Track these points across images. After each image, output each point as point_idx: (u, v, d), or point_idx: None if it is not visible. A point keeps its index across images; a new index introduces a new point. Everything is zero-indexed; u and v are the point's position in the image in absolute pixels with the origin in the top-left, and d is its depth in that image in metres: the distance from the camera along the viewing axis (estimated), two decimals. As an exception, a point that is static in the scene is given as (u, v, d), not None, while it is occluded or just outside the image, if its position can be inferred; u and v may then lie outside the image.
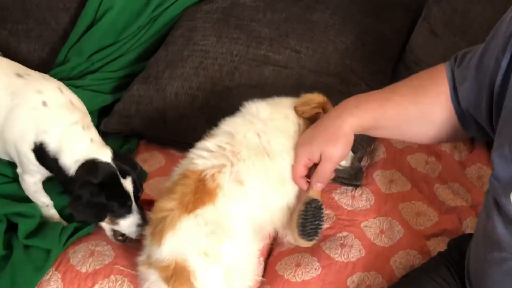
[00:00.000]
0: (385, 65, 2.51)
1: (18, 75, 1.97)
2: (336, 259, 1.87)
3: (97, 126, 2.49)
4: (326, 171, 1.69)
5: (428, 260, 1.78)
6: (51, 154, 1.88)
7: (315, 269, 1.85)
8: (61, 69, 2.63)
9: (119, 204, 1.87)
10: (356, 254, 1.89)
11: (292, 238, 1.84)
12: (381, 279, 1.82)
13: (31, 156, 1.92)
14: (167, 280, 1.68)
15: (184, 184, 1.69)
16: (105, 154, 1.88)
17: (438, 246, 1.91)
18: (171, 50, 2.54)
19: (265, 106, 1.83)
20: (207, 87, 2.37)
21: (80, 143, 1.89)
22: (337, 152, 1.65)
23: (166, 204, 1.68)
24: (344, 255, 1.88)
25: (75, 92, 2.41)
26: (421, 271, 1.69)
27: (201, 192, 1.67)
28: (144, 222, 1.88)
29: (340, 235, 1.96)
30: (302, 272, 1.85)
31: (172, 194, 1.69)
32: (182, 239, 1.66)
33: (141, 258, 1.77)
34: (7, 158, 2.08)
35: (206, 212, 1.66)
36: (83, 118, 1.96)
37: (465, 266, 1.58)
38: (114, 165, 1.87)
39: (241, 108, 1.86)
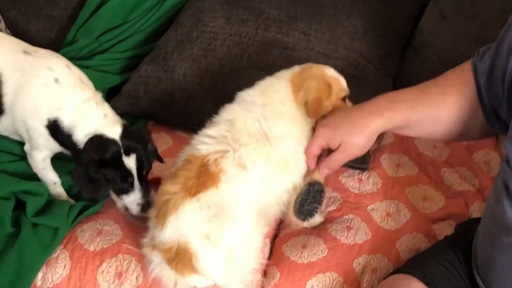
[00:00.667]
0: (394, 49, 2.50)
1: (26, 52, 1.98)
2: (342, 241, 1.88)
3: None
4: (338, 161, 1.71)
5: (435, 243, 1.78)
6: (65, 130, 1.90)
7: (321, 250, 1.86)
8: (70, 49, 2.63)
9: (120, 180, 1.88)
10: (362, 236, 1.89)
11: (286, 215, 1.83)
12: (387, 261, 1.83)
13: (44, 132, 1.93)
14: (170, 262, 1.71)
15: (188, 169, 1.71)
16: (113, 131, 1.88)
17: (444, 230, 1.91)
18: (180, 31, 2.53)
19: (258, 93, 1.82)
20: (216, 68, 2.37)
21: (94, 118, 1.91)
22: (356, 148, 1.67)
23: (170, 188, 1.70)
24: (350, 237, 1.89)
25: (85, 73, 2.43)
26: (427, 255, 1.69)
27: (204, 176, 1.69)
28: (145, 200, 1.90)
29: (347, 217, 1.96)
30: (308, 254, 1.85)
31: (175, 179, 1.71)
32: (185, 222, 1.68)
33: (145, 240, 1.80)
34: (16, 138, 2.08)
35: (209, 195, 1.68)
36: (95, 95, 1.97)
37: (472, 252, 1.58)
38: (120, 142, 1.87)
39: (235, 98, 1.86)
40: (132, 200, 1.91)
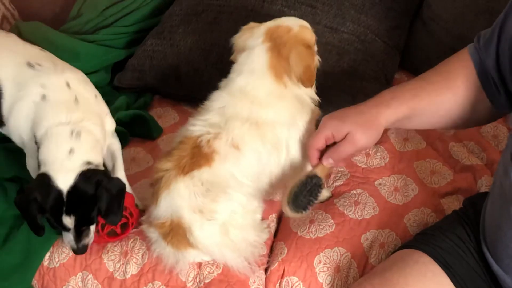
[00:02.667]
0: (402, 21, 2.48)
1: (29, 64, 1.87)
2: (350, 216, 1.88)
3: (111, 81, 2.51)
4: (344, 152, 1.62)
5: (443, 218, 1.78)
6: (37, 146, 1.79)
7: (329, 226, 1.86)
8: (74, 23, 2.62)
9: (54, 226, 1.74)
10: (370, 211, 1.89)
11: (282, 203, 1.75)
12: (395, 236, 1.82)
13: (35, 147, 1.81)
14: (165, 236, 1.74)
15: (181, 148, 1.72)
16: (65, 179, 1.67)
17: (452, 204, 1.90)
18: (185, 4, 2.51)
19: (243, 77, 1.79)
20: (221, 42, 2.33)
21: (56, 149, 1.73)
22: (364, 139, 1.60)
23: (162, 165, 1.72)
24: (358, 212, 1.88)
25: (88, 47, 2.41)
26: (436, 229, 1.68)
27: (197, 156, 1.70)
28: (78, 245, 1.75)
29: (354, 192, 1.95)
30: (316, 229, 1.85)
31: (168, 157, 1.72)
32: (177, 197, 1.69)
33: (143, 217, 1.84)
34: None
35: (202, 173, 1.69)
36: (80, 120, 1.78)
37: (480, 224, 1.58)
38: (65, 197, 1.67)
39: (219, 85, 1.85)
40: (67, 240, 1.77)
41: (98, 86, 2.45)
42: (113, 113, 2.27)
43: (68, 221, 1.69)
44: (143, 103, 2.43)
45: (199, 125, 1.74)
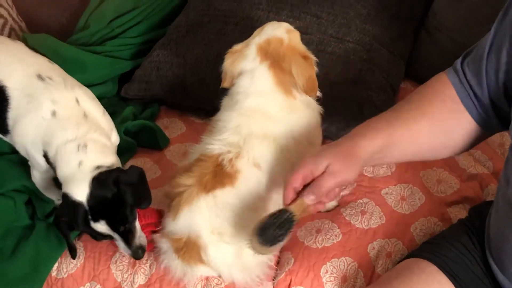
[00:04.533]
0: (407, 31, 2.49)
1: (40, 77, 1.87)
2: (357, 225, 1.88)
3: (118, 92, 2.52)
4: (325, 185, 1.49)
5: (449, 227, 1.78)
6: (52, 165, 1.82)
7: (336, 235, 1.86)
8: (82, 34, 2.63)
9: (96, 238, 1.78)
10: (376, 221, 1.89)
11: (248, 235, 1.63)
12: (402, 245, 1.83)
13: (42, 160, 1.85)
14: (177, 251, 1.74)
15: (202, 165, 1.71)
16: (81, 190, 1.69)
17: (459, 213, 1.90)
18: (191, 15, 2.53)
19: (253, 99, 1.79)
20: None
21: (68, 165, 1.75)
22: (344, 169, 1.49)
23: (184, 180, 1.71)
24: (364, 222, 1.89)
25: (95, 58, 2.41)
26: (442, 238, 1.68)
27: (220, 175, 1.69)
28: (133, 249, 1.76)
29: (361, 201, 1.95)
30: (323, 239, 1.85)
31: (190, 172, 1.71)
32: (198, 216, 1.69)
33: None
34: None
35: (226, 193, 1.69)
36: (86, 133, 1.80)
37: (485, 233, 1.58)
38: (86, 206, 1.68)
39: (222, 103, 1.86)
40: (122, 248, 1.78)
41: (105, 97, 2.51)
42: (121, 123, 2.29)
43: (101, 227, 1.70)
44: (150, 113, 2.44)
45: (218, 144, 1.74)
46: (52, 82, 1.87)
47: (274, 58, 1.76)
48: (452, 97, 1.54)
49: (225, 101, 1.86)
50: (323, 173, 1.49)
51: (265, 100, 1.78)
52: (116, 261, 1.90)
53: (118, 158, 1.86)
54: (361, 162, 1.52)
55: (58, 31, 2.71)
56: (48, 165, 1.85)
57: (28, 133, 1.84)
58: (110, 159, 1.79)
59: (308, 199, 1.50)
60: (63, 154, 1.76)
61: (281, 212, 1.52)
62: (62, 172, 1.75)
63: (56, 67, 1.98)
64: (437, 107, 1.55)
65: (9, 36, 2.59)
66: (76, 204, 1.68)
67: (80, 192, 1.69)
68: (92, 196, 1.68)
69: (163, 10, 2.72)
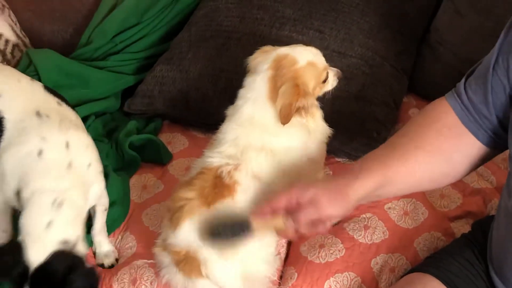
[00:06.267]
0: (409, 45, 2.49)
1: (38, 114, 1.82)
2: (360, 240, 1.87)
3: (121, 107, 2.53)
4: (305, 214, 1.47)
5: (452, 241, 1.78)
6: (19, 206, 1.73)
7: (339, 250, 1.85)
8: (85, 50, 2.64)
9: None
10: (379, 235, 1.88)
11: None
12: (405, 260, 1.82)
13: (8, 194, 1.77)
14: (177, 263, 1.73)
15: (202, 178, 1.71)
16: (35, 255, 1.58)
17: (462, 228, 1.90)
18: (194, 31, 2.53)
19: (249, 106, 1.80)
20: (230, 68, 2.36)
21: (36, 218, 1.65)
22: (329, 206, 1.47)
23: (185, 194, 1.70)
24: (367, 236, 1.88)
25: (98, 73, 2.42)
26: (445, 253, 1.68)
27: (219, 186, 1.69)
28: None
29: (364, 216, 1.95)
30: (326, 254, 1.85)
31: (190, 186, 1.71)
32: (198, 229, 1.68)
33: (158, 240, 1.81)
34: None
35: (225, 206, 1.68)
36: (66, 190, 1.71)
37: (487, 248, 1.58)
38: (29, 274, 1.57)
39: (227, 112, 1.86)
40: None
41: (108, 112, 2.51)
42: (125, 136, 2.30)
43: None
44: (153, 128, 2.45)
45: (217, 157, 1.75)
46: (47, 120, 1.82)
47: (277, 72, 1.77)
48: (450, 123, 1.51)
49: (229, 111, 1.86)
50: (309, 204, 1.46)
51: (259, 110, 1.78)
52: (117, 278, 1.90)
53: (85, 227, 1.77)
54: (351, 202, 1.48)
55: (62, 47, 2.73)
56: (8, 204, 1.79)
57: (8, 165, 1.76)
58: (78, 231, 1.69)
59: (287, 222, 1.49)
60: (37, 203, 1.66)
61: (244, 223, 1.53)
62: (28, 221, 1.64)
63: (61, 108, 1.92)
64: (433, 138, 1.53)
65: (13, 51, 2.60)
66: (23, 264, 1.57)
67: (34, 257, 1.58)
68: (41, 268, 1.58)
69: (166, 25, 2.73)
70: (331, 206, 1.47)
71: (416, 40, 2.52)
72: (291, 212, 1.49)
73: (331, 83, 1.88)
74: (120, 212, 2.11)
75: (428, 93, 2.42)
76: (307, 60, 1.80)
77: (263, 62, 1.81)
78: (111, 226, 2.07)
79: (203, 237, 1.61)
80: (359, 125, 2.21)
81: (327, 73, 1.85)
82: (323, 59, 1.85)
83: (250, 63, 1.88)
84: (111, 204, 2.05)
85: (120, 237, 2.07)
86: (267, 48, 1.88)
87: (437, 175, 1.56)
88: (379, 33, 2.43)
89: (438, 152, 1.52)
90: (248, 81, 1.83)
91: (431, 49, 2.47)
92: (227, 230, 1.54)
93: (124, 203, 2.16)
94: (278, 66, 1.77)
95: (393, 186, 1.53)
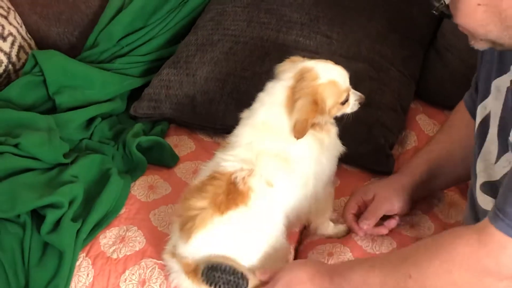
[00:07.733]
0: (417, 51, 2.49)
1: None
2: (368, 251, 1.87)
3: (126, 109, 2.52)
4: (372, 211, 1.83)
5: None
6: None
7: (347, 259, 1.85)
8: (91, 52, 2.63)
9: None
10: (387, 246, 1.88)
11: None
12: (412, 271, 1.82)
13: None
14: (187, 272, 1.72)
15: (215, 185, 1.69)
16: None
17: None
18: (200, 34, 2.53)
19: (265, 109, 1.80)
20: (237, 72, 2.36)
21: None
22: (390, 197, 1.84)
23: (197, 203, 1.69)
24: (375, 247, 1.88)
25: (103, 75, 2.42)
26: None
27: (233, 193, 1.68)
28: None
29: (372, 227, 1.95)
30: (335, 262, 1.83)
31: (203, 193, 1.70)
32: (212, 240, 1.68)
33: (167, 247, 1.80)
34: None
35: (239, 214, 1.67)
36: None
37: None
38: None
39: (241, 115, 1.85)
40: None
41: (114, 114, 2.50)
42: (133, 137, 2.30)
43: None
44: (159, 131, 2.43)
45: (231, 161, 1.73)
46: None
47: (297, 83, 1.76)
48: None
49: (245, 113, 1.85)
50: (372, 201, 1.82)
51: (275, 115, 1.77)
52: (125, 279, 1.88)
53: None
54: (406, 191, 1.83)
55: (68, 49, 2.72)
56: None
57: None
58: None
59: (363, 224, 1.84)
60: None
61: (240, 270, 1.64)
62: None
63: None
64: (465, 133, 1.79)
65: (18, 53, 2.60)
66: None
67: None
68: None
69: (172, 28, 2.71)
70: (390, 198, 1.82)
71: (423, 45, 2.52)
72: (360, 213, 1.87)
73: (351, 106, 1.86)
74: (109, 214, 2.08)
75: (436, 98, 2.42)
76: (329, 78, 1.77)
77: (288, 71, 1.80)
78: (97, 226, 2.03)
79: (199, 273, 1.66)
80: (365, 131, 2.20)
81: (348, 95, 1.82)
82: (347, 80, 1.83)
83: (278, 69, 1.87)
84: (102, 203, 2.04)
85: (125, 227, 2.03)
86: (296, 58, 1.87)
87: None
88: (386, 38, 2.43)
89: (469, 146, 1.71)
90: (269, 86, 1.83)
91: (438, 55, 2.46)
92: (225, 273, 1.62)
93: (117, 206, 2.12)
94: (300, 78, 1.76)
95: (439, 175, 1.87)
